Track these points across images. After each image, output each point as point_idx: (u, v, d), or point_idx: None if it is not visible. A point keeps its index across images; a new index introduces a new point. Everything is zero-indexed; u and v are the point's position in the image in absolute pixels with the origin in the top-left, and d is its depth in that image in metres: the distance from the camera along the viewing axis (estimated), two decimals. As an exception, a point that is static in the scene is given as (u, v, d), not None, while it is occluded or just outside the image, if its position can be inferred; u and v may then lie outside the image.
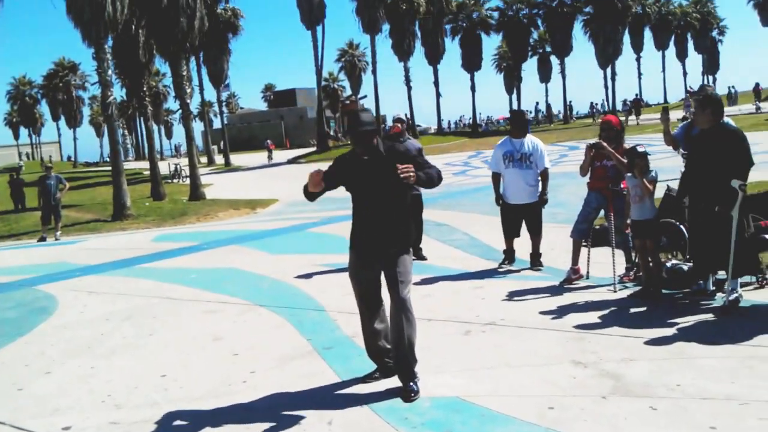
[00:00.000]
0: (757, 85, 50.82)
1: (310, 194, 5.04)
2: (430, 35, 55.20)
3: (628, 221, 7.43)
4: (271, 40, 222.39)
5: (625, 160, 7.35)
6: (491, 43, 70.20)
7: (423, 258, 9.79)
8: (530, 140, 8.85)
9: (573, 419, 4.26)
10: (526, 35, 63.95)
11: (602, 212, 8.04)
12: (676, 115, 28.95)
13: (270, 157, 50.01)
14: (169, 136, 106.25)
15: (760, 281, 6.95)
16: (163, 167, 35.43)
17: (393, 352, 5.02)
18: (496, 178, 8.98)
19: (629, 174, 7.19)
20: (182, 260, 12.22)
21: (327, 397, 4.97)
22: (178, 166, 38.69)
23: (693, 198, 6.57)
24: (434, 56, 56.51)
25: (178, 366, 6.03)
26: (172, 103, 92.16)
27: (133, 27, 24.99)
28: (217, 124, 74.20)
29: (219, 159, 53.18)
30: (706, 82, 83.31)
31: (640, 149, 7.18)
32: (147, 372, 5.93)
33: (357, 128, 4.93)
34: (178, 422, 4.75)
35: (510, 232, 8.99)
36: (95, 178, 40.46)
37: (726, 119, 6.56)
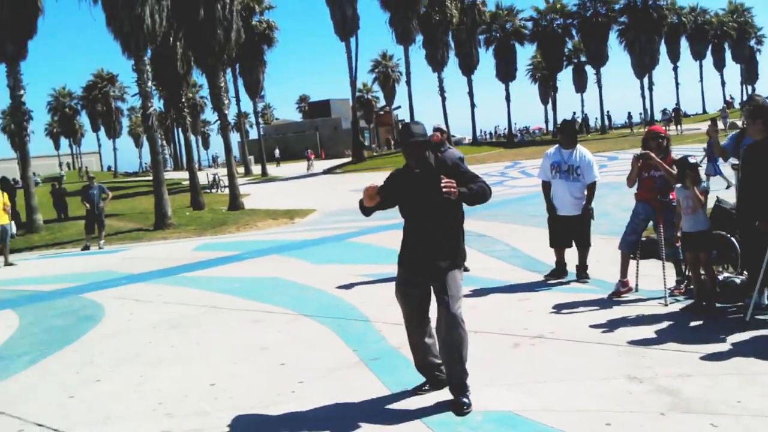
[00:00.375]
0: None
1: (366, 209, 5.03)
2: (463, 46, 55.17)
3: (678, 233, 7.30)
4: (305, 52, 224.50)
5: (674, 171, 7.23)
6: (525, 54, 70.01)
7: (466, 269, 9.71)
8: (579, 151, 8.76)
9: (632, 436, 4.17)
10: (561, 45, 63.57)
11: (651, 223, 7.91)
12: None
13: (310, 167, 50.31)
14: (206, 146, 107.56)
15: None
16: (202, 177, 35.83)
17: (445, 367, 4.96)
18: (546, 186, 8.91)
19: (679, 185, 7.07)
20: (225, 269, 12.31)
21: (377, 410, 4.93)
22: (217, 176, 39.08)
23: (745, 211, 6.42)
24: (468, 67, 56.44)
25: (227, 375, 6.05)
26: (208, 114, 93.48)
27: (171, 39, 25.34)
28: (252, 134, 74.97)
29: (255, 169, 53.63)
30: (747, 92, 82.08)
31: (691, 160, 7.05)
32: (196, 381, 5.96)
33: (408, 139, 4.91)
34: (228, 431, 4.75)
35: (557, 243, 8.90)
36: (135, 188, 41.05)
37: None
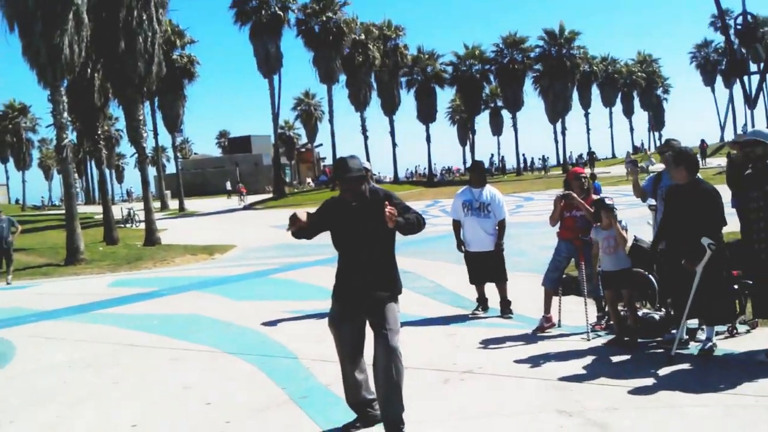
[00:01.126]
0: (703, 141, 52.59)
1: (298, 233, 4.97)
2: (386, 87, 55.92)
3: (598, 271, 7.51)
4: (226, 87, 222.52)
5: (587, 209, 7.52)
6: (446, 96, 71.56)
7: None
8: (489, 190, 9.04)
9: (566, 469, 4.20)
10: (479, 90, 65.21)
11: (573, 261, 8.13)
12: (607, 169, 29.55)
13: (242, 200, 49.49)
14: (120, 180, 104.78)
15: (730, 331, 7.04)
16: (116, 211, 34.75)
17: (381, 402, 4.91)
18: (456, 225, 9.11)
19: (596, 225, 7.29)
20: (142, 306, 11.90)
21: (309, 448, 4.82)
22: (132, 211, 38.02)
23: (669, 250, 6.66)
24: (390, 107, 57.19)
25: (149, 416, 5.81)
26: (124, 147, 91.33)
27: (89, 70, 24.71)
28: (170, 169, 73.44)
29: (173, 204, 52.49)
30: (655, 138, 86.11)
31: (607, 201, 7.31)
32: (117, 422, 5.70)
33: (345, 174, 4.92)
34: (155, 474, 4.54)
35: (475, 279, 9.06)
36: (45, 222, 39.37)
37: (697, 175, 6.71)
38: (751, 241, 6.35)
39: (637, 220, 9.83)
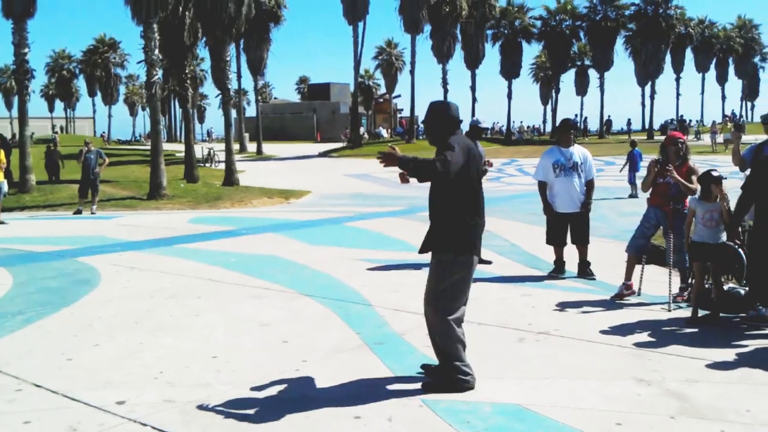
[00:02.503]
0: None
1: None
2: (471, 39, 54.82)
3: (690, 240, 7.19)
4: (308, 33, 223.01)
5: (693, 186, 7.17)
6: (530, 52, 69.52)
7: (488, 262, 9.59)
8: (580, 150, 8.87)
9: (643, 438, 4.13)
10: (568, 46, 63.36)
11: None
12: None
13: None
14: (201, 120, 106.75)
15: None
16: (196, 151, 35.53)
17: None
18: (543, 187, 8.91)
19: (699, 198, 6.92)
20: (221, 243, 12.20)
21: (383, 393, 4.86)
22: (212, 151, 38.80)
23: (762, 223, 6.37)
24: (473, 61, 56.14)
25: (228, 348, 5.98)
26: (206, 88, 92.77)
27: (180, 9, 25.05)
28: (249, 112, 74.48)
29: (250, 147, 53.33)
30: (747, 108, 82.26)
31: (714, 174, 6.94)
32: (197, 352, 5.88)
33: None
34: (234, 406, 4.67)
35: (558, 241, 8.90)
36: (128, 156, 40.70)
37: None
38: None
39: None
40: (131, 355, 5.83)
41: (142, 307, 7.52)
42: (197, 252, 11.21)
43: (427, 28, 50.74)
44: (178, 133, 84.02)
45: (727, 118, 55.43)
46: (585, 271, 8.79)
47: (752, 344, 6.01)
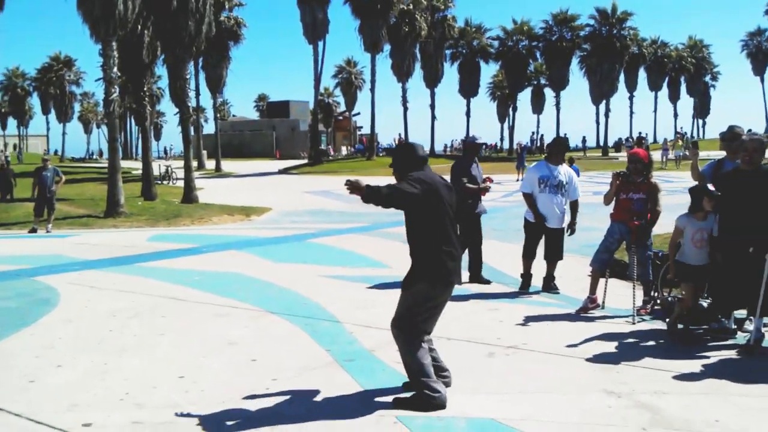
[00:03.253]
0: (750, 131, 51.39)
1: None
2: (430, 59, 55.50)
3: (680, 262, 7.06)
4: (267, 51, 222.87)
5: (658, 208, 7.32)
6: (488, 72, 70.58)
7: (487, 282, 9.60)
8: (566, 170, 8.98)
9: (618, 450, 4.16)
10: (524, 66, 64.47)
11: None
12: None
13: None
14: (157, 138, 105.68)
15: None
16: (154, 168, 35.10)
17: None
18: (530, 198, 8.95)
19: (686, 215, 6.91)
20: (182, 261, 12.03)
21: (357, 410, 4.82)
22: (169, 168, 38.38)
23: (726, 238, 6.48)
24: (433, 80, 56.80)
25: (196, 368, 5.87)
26: (163, 106, 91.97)
27: (140, 27, 24.81)
28: (207, 129, 73.84)
29: (209, 164, 52.87)
30: (698, 125, 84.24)
31: (711, 188, 6.89)
32: (164, 372, 5.77)
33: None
34: (204, 426, 4.59)
35: (530, 254, 8.97)
36: (83, 174, 40.03)
37: None
38: None
39: (675, 207, 9.60)
40: (96, 376, 5.69)
41: (105, 327, 7.35)
42: (159, 270, 11.03)
43: (387, 47, 51.18)
44: (133, 151, 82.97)
45: (678, 136, 56.81)
46: (549, 285, 8.90)
47: (716, 355, 6.12)
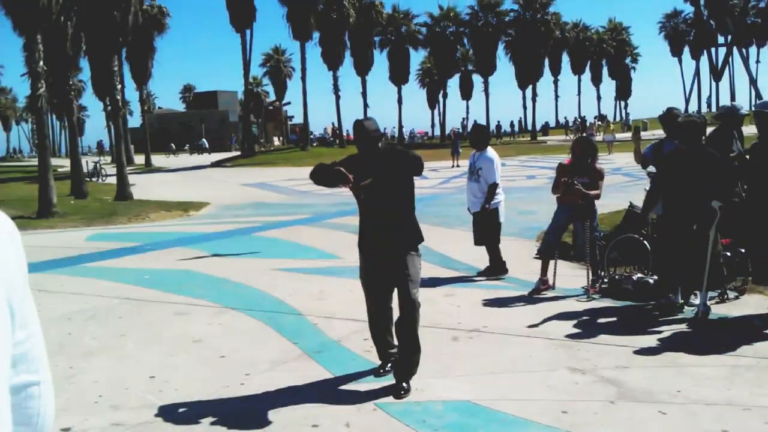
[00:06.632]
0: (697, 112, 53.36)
1: (327, 180, 5.06)
2: (359, 46, 55.42)
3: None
4: (191, 40, 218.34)
5: (599, 192, 7.68)
6: (417, 58, 71.14)
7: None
8: (485, 154, 9.13)
9: (591, 423, 4.40)
10: (453, 52, 65.13)
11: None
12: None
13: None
14: (81, 133, 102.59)
15: (721, 296, 7.31)
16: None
17: (401, 351, 5.10)
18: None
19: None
20: (129, 260, 11.83)
21: (335, 400, 4.93)
22: (98, 164, 37.36)
23: (670, 215, 6.84)
24: (363, 67, 56.76)
25: (165, 368, 5.86)
26: (85, 100, 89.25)
27: (63, 18, 24.04)
28: (132, 123, 72.17)
29: (138, 159, 51.67)
30: (621, 107, 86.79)
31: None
32: (133, 373, 5.74)
33: (366, 136, 5.08)
34: (186, 422, 4.62)
35: (476, 240, 9.22)
36: (8, 173, 38.64)
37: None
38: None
39: (612, 188, 10.02)
40: (65, 380, 5.61)
41: (63, 330, 7.22)
42: (106, 270, 10.83)
43: (316, 35, 50.91)
44: (56, 147, 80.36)
45: (597, 119, 58.30)
46: (492, 270, 9.11)
47: (669, 329, 6.46)
